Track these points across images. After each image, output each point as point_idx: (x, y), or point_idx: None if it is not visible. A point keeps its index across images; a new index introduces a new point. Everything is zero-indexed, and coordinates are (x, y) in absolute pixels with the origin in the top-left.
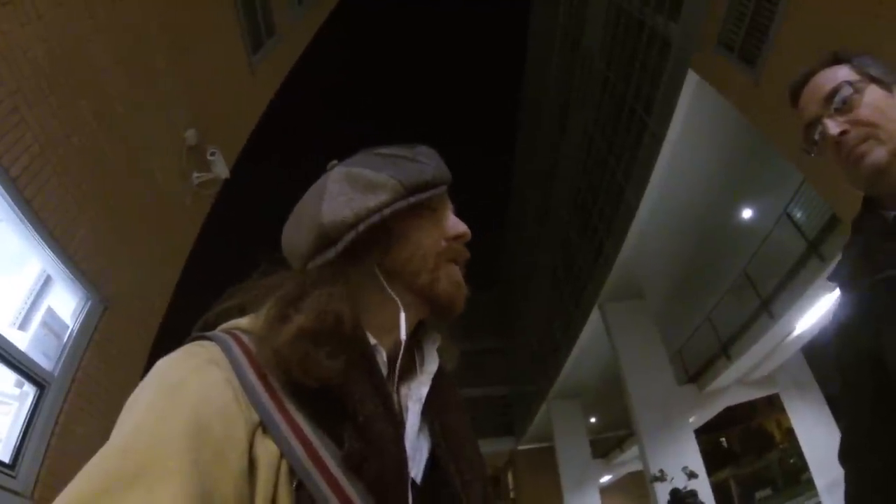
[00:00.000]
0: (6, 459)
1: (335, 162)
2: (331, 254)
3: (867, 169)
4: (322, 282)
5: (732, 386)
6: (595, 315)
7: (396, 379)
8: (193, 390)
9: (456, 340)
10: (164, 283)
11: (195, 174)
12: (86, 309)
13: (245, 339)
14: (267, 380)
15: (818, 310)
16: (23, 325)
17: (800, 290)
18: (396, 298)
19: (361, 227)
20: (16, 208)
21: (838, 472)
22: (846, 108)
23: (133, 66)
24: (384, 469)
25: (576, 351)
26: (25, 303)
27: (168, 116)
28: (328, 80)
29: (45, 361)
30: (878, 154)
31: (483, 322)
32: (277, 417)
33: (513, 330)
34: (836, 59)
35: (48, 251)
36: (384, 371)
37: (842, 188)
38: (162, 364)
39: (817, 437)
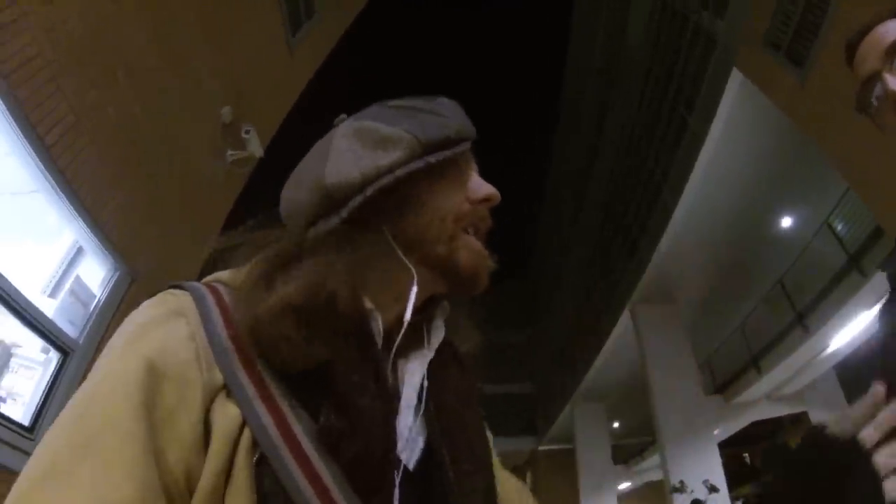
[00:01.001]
0: (26, 423)
1: (343, 116)
2: (335, 220)
3: None
4: (323, 248)
5: (761, 400)
6: (625, 317)
7: (393, 352)
8: (152, 347)
9: (477, 321)
10: (192, 259)
11: (229, 151)
12: (114, 280)
13: (223, 291)
14: (238, 337)
15: (855, 327)
16: (52, 294)
17: (837, 305)
18: (412, 268)
19: (370, 191)
20: (49, 178)
21: None
22: None
23: (171, 40)
24: (365, 450)
25: (604, 352)
26: (57, 272)
27: (204, 92)
28: (370, 63)
29: (70, 329)
30: None
31: (511, 316)
32: (244, 379)
33: (541, 327)
34: None
35: (80, 222)
36: (379, 341)
37: (889, 197)
38: (132, 315)
39: None
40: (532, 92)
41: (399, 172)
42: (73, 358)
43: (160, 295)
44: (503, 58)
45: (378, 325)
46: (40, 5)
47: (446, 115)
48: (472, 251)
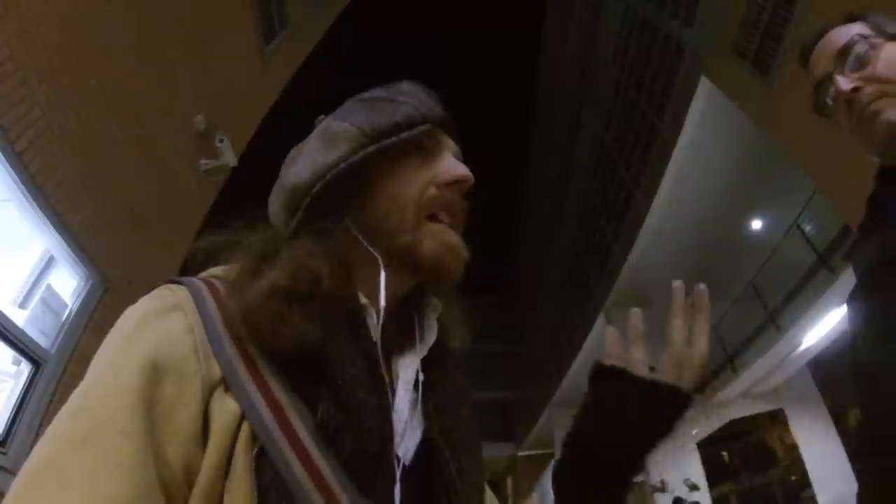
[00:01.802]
0: None
1: (322, 117)
2: (296, 218)
3: (881, 128)
4: (299, 240)
5: (737, 399)
6: (601, 322)
7: (388, 346)
8: (150, 341)
9: (466, 317)
10: (165, 267)
11: (203, 160)
12: (86, 289)
13: (219, 285)
14: (237, 331)
15: (826, 324)
16: (23, 304)
17: (807, 304)
18: (378, 255)
19: (316, 189)
20: (20, 183)
21: (841, 490)
22: (860, 64)
23: (145, 47)
24: (363, 444)
25: (580, 357)
26: (27, 281)
27: (178, 101)
28: (343, 68)
29: (42, 339)
30: (893, 112)
31: (488, 326)
32: (242, 372)
33: (518, 334)
34: (851, 18)
35: (52, 230)
36: (374, 335)
37: (855, 197)
38: (128, 311)
39: (822, 454)
40: (505, 99)
41: (342, 166)
42: (45, 369)
43: (157, 290)
44: (472, 70)
45: (374, 319)
46: (12, 9)
47: (400, 101)
48: (435, 239)
